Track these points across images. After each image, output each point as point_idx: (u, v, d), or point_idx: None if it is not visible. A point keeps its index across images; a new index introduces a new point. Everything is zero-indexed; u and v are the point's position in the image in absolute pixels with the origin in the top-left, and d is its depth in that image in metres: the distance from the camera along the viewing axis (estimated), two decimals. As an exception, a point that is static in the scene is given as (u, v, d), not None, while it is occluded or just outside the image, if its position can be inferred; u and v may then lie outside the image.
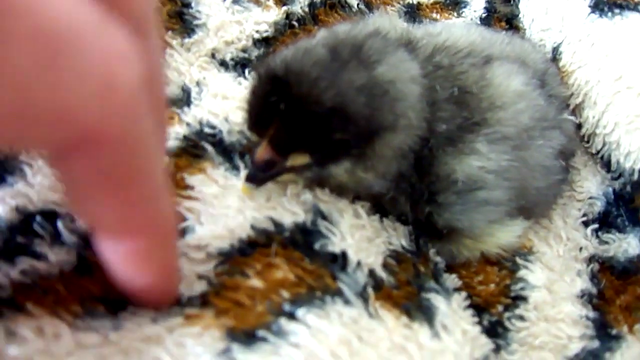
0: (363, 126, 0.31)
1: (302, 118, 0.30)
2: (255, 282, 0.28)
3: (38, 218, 0.28)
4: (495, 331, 0.36)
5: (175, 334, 0.26)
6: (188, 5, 0.43)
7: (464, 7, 0.59)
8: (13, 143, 0.21)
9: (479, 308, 0.37)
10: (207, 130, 0.35)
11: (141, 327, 0.26)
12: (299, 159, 0.31)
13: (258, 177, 0.31)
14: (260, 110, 0.31)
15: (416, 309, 0.30)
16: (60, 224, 0.28)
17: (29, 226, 0.28)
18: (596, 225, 0.43)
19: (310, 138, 0.30)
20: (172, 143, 0.34)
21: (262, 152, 0.31)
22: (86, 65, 0.18)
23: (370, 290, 0.30)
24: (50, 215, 0.29)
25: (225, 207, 0.30)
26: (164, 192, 0.23)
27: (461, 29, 0.43)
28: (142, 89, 0.19)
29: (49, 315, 0.25)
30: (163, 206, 0.23)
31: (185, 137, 0.34)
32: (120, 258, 0.24)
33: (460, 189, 0.35)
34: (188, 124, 0.35)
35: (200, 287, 0.28)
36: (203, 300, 0.28)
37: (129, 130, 0.19)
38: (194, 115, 0.36)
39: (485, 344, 0.33)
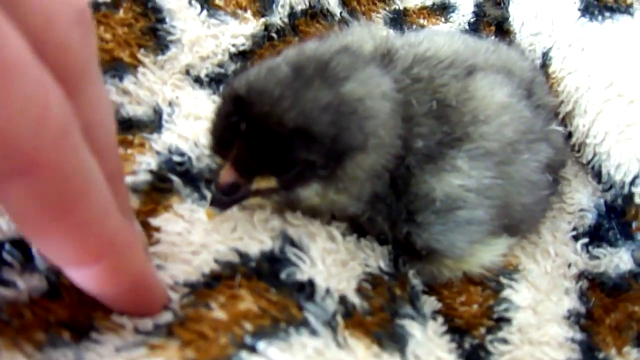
0: (329, 147, 0.30)
1: (264, 139, 0.29)
2: (219, 314, 0.28)
3: (7, 246, 0.28)
4: (477, 355, 0.35)
5: (137, 367, 0.25)
6: (162, 21, 0.42)
7: (452, 11, 0.58)
8: None
9: (460, 331, 0.36)
10: (175, 158, 0.35)
11: (102, 358, 0.26)
12: (264, 182, 0.31)
13: (222, 201, 0.30)
14: (223, 131, 0.31)
15: (388, 337, 0.30)
16: (33, 250, 0.29)
17: None
18: (586, 240, 0.42)
19: (273, 160, 0.30)
20: (141, 178, 0.34)
21: (226, 175, 0.30)
22: (22, 98, 0.18)
23: (339, 319, 0.29)
24: (22, 243, 0.29)
25: (189, 244, 0.30)
26: (110, 212, 0.23)
27: (444, 38, 0.42)
28: (72, 120, 0.20)
29: (9, 347, 0.25)
30: (112, 225, 0.24)
31: (152, 172, 0.34)
32: (89, 284, 0.25)
33: (439, 208, 0.34)
34: (158, 152, 0.35)
35: (165, 317, 0.28)
36: (168, 331, 0.27)
37: (62, 159, 0.20)
38: (163, 142, 0.36)
39: (463, 371, 0.32)
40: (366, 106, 0.31)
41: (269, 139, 0.29)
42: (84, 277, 0.24)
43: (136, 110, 0.38)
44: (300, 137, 0.29)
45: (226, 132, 0.30)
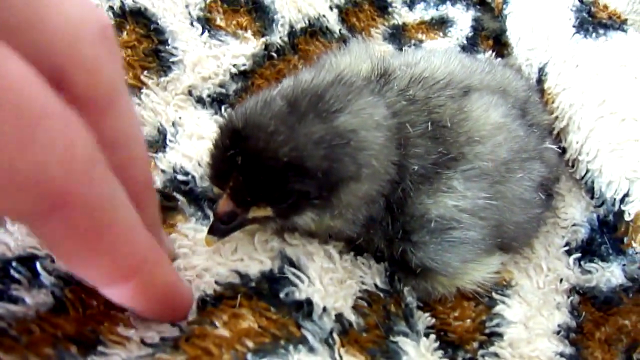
0: (322, 179, 0.32)
1: (259, 172, 0.31)
2: (223, 332, 0.30)
3: (14, 264, 0.30)
4: (469, 369, 0.36)
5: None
6: (164, 42, 0.44)
7: (450, 26, 0.59)
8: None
9: (453, 345, 0.37)
10: (180, 177, 0.37)
11: None
12: (261, 212, 0.33)
13: (220, 229, 0.32)
14: (220, 163, 0.32)
15: (382, 354, 0.32)
16: (39, 266, 0.30)
17: (7, 272, 0.30)
18: (579, 254, 0.43)
19: (268, 192, 0.32)
20: None
21: (223, 204, 0.32)
22: (49, 141, 0.20)
23: (336, 336, 0.31)
24: (28, 260, 0.31)
25: (192, 267, 0.32)
26: (138, 232, 0.25)
27: (441, 58, 0.43)
28: (96, 153, 0.22)
29: None
30: (141, 244, 0.25)
31: (158, 191, 0.36)
32: (123, 299, 0.27)
33: (434, 228, 0.36)
34: (163, 171, 0.37)
35: (172, 332, 0.30)
36: (174, 344, 0.29)
37: (91, 190, 0.21)
38: (168, 161, 0.38)
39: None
40: (359, 137, 0.33)
41: (263, 172, 0.31)
42: (118, 294, 0.26)
43: (141, 131, 0.40)
44: (294, 170, 0.31)
45: (223, 164, 0.32)
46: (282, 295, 0.32)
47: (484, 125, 0.38)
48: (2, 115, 0.18)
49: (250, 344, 0.29)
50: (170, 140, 0.40)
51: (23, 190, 0.20)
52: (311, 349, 0.29)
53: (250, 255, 0.33)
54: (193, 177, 0.37)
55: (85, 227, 0.22)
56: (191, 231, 0.34)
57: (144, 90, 0.42)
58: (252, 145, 0.31)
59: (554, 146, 0.44)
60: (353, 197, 0.34)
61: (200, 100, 0.44)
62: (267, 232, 0.35)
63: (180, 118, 0.41)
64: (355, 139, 0.32)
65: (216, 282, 0.31)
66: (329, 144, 0.31)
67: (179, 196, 0.36)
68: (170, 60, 0.44)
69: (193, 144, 0.40)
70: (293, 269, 0.33)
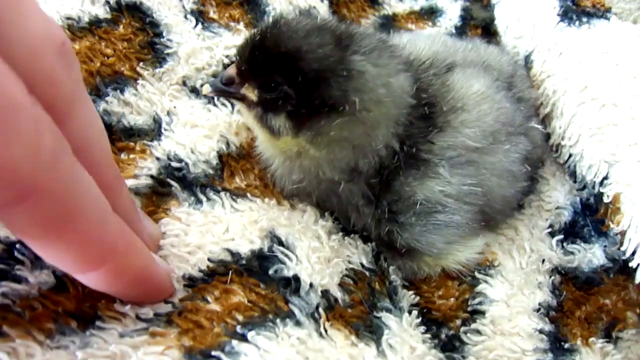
0: (307, 90, 0.35)
1: (260, 53, 0.35)
2: (214, 306, 0.32)
3: (18, 246, 0.32)
4: (452, 345, 0.39)
5: (139, 352, 0.29)
6: (159, 35, 0.46)
7: (440, 16, 0.61)
8: None
9: (437, 322, 0.39)
10: (174, 164, 0.39)
11: (107, 344, 0.30)
12: (249, 93, 0.37)
13: (217, 85, 0.38)
14: (246, 42, 0.37)
15: (365, 328, 0.33)
16: None
17: (11, 254, 0.32)
18: (562, 236, 0.45)
19: (259, 73, 0.36)
20: (143, 182, 0.38)
21: (230, 69, 0.38)
22: (19, 133, 0.21)
23: (322, 311, 0.33)
24: None
25: (186, 245, 0.34)
26: (107, 220, 0.27)
27: (425, 40, 0.45)
28: (62, 142, 0.23)
29: (23, 336, 0.29)
30: (111, 231, 0.27)
31: (153, 177, 0.38)
32: (97, 285, 0.28)
33: (420, 210, 0.38)
34: (158, 158, 0.39)
35: (165, 308, 0.32)
36: (167, 319, 0.31)
37: (57, 179, 0.23)
38: (163, 148, 0.40)
39: (435, 360, 0.35)
40: (362, 79, 0.35)
41: (263, 55, 0.36)
42: (90, 280, 0.28)
43: (137, 120, 0.42)
44: (286, 65, 0.35)
45: (247, 43, 0.37)
46: (271, 272, 0.34)
47: (466, 95, 0.40)
48: None
49: (240, 317, 0.31)
50: (165, 129, 0.41)
51: None
52: (297, 323, 0.31)
53: (241, 235, 0.35)
54: (186, 164, 0.39)
55: (52, 215, 0.23)
56: (184, 215, 0.36)
57: (140, 81, 0.43)
58: (269, 33, 0.35)
59: (539, 126, 0.46)
60: (336, 131, 0.36)
61: (194, 90, 0.46)
62: (256, 213, 0.36)
63: (175, 107, 0.43)
64: (356, 77, 0.35)
65: (209, 260, 0.33)
66: (329, 66, 0.34)
67: (172, 182, 0.38)
68: (165, 52, 0.46)
69: (187, 132, 0.42)
70: (282, 248, 0.35)
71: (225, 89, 0.38)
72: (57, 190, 0.23)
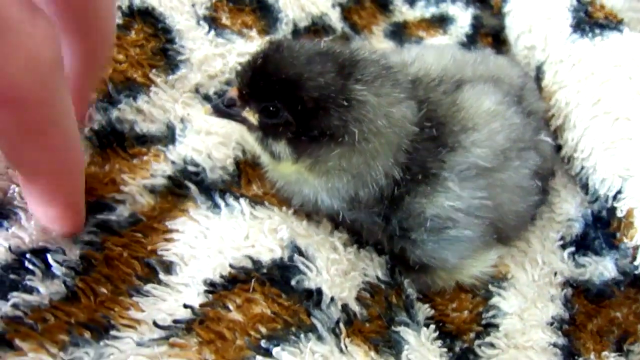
0: (305, 119, 0.35)
1: (262, 78, 0.35)
2: (236, 316, 0.32)
3: (28, 255, 0.32)
4: (466, 358, 0.39)
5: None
6: (172, 41, 0.46)
7: (450, 23, 0.61)
8: None
9: (451, 335, 0.39)
10: (190, 168, 0.39)
11: (124, 354, 0.29)
12: (250, 116, 0.38)
13: (218, 106, 0.38)
14: (247, 64, 0.37)
15: (384, 343, 0.34)
16: (50, 258, 0.32)
17: (22, 264, 0.32)
18: (573, 248, 0.46)
19: (259, 97, 0.36)
20: (159, 181, 0.38)
21: (231, 91, 0.38)
22: (18, 45, 0.23)
23: (342, 326, 0.33)
24: (40, 252, 0.33)
25: (206, 247, 0.34)
26: (74, 144, 0.30)
27: (433, 55, 0.45)
28: (59, 59, 0.26)
29: (36, 349, 0.29)
30: (72, 154, 0.30)
31: (169, 177, 0.38)
32: (34, 197, 0.31)
33: (431, 227, 0.38)
34: (173, 162, 0.39)
35: (185, 315, 0.32)
36: (187, 327, 0.31)
37: (47, 94, 0.26)
38: (178, 152, 0.40)
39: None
40: (362, 110, 0.35)
41: (263, 80, 0.35)
42: (31, 192, 0.30)
43: (150, 128, 0.42)
44: (286, 92, 0.35)
45: (248, 66, 0.37)
46: (293, 282, 0.34)
47: (477, 113, 0.40)
48: None
49: (263, 329, 0.31)
50: (179, 135, 0.41)
51: None
52: (320, 338, 0.32)
53: (262, 243, 0.35)
54: (203, 168, 0.39)
55: (31, 123, 0.26)
56: (202, 217, 0.36)
57: (153, 88, 0.43)
58: (271, 58, 0.35)
59: (548, 139, 0.46)
60: (335, 161, 0.36)
61: (207, 98, 0.45)
62: (275, 221, 0.36)
63: (188, 114, 0.43)
64: (357, 107, 0.35)
65: (230, 266, 0.33)
66: (330, 95, 0.34)
67: (190, 184, 0.38)
68: (178, 58, 0.45)
69: (202, 139, 0.41)
70: (302, 258, 0.35)
71: (226, 111, 0.38)
72: (44, 102, 0.25)
